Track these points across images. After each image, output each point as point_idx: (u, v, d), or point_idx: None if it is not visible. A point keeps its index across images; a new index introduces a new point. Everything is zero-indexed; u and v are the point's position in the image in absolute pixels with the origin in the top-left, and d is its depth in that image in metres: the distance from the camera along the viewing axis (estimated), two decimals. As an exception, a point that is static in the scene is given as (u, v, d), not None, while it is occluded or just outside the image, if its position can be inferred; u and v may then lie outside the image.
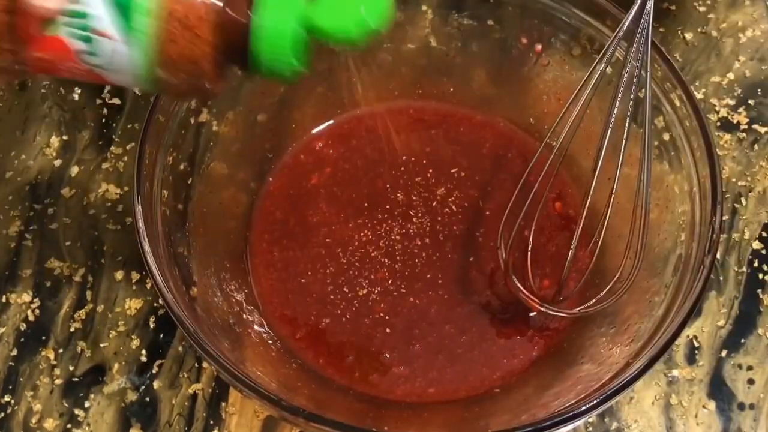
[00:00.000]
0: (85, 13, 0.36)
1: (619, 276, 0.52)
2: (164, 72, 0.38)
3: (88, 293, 0.60)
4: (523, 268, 0.55)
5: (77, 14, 0.36)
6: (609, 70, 0.54)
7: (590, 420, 0.56)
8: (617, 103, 0.49)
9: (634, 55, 0.48)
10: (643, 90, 0.50)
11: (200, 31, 0.37)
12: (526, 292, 0.54)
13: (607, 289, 0.52)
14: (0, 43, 0.36)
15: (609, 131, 0.49)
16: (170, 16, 0.37)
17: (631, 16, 0.48)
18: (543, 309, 0.54)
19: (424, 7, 0.61)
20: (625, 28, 0.49)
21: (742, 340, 0.59)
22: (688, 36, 0.70)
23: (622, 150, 0.50)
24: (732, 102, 0.67)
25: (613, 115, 0.49)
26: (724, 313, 0.60)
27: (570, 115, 0.51)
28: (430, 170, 0.63)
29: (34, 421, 0.56)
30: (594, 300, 0.53)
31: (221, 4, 0.38)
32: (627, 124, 0.49)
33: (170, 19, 0.37)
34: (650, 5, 0.48)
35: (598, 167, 0.50)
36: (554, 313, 0.54)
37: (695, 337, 0.59)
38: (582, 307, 0.53)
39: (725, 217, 0.63)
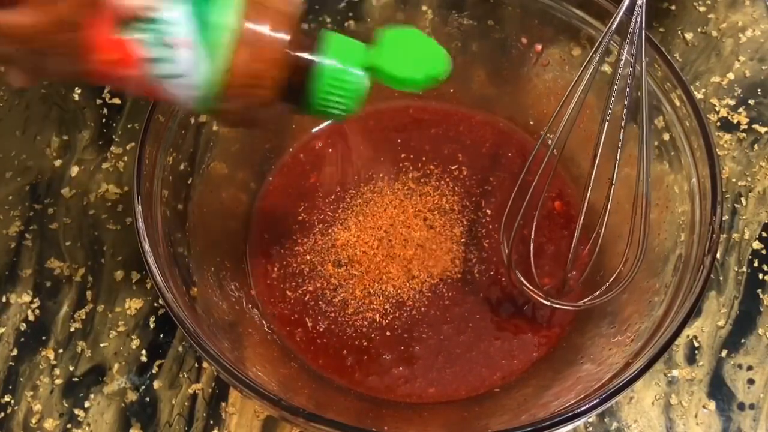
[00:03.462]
0: (163, 20, 0.36)
1: (622, 266, 0.52)
2: (225, 93, 0.38)
3: (88, 293, 0.60)
4: (526, 264, 0.55)
5: (156, 20, 0.36)
6: (608, 69, 0.55)
7: (590, 420, 0.56)
8: (613, 97, 0.49)
9: (629, 50, 0.48)
10: (640, 87, 0.50)
11: (267, 61, 0.38)
12: (530, 287, 0.54)
13: (611, 279, 0.52)
14: (67, 37, 0.36)
15: (605, 128, 0.49)
16: (244, 40, 0.37)
17: (623, 9, 0.48)
18: (548, 303, 0.54)
19: (424, 7, 0.61)
20: (617, 21, 0.49)
21: (742, 340, 0.59)
22: (688, 36, 0.70)
23: (619, 147, 0.49)
24: (732, 102, 0.67)
25: (609, 111, 0.49)
26: (724, 313, 0.60)
27: (567, 109, 0.51)
28: (430, 169, 0.63)
29: (34, 421, 0.56)
30: (598, 292, 0.53)
31: (289, 40, 0.38)
32: (623, 122, 0.49)
33: (243, 43, 0.37)
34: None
35: (596, 164, 0.50)
36: (559, 306, 0.54)
37: (695, 337, 0.59)
38: (587, 299, 0.53)
39: (725, 217, 0.63)
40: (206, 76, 0.37)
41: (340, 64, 0.40)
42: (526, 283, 0.54)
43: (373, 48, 0.41)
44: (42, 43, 0.36)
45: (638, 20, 0.48)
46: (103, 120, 0.66)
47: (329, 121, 0.41)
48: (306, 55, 0.39)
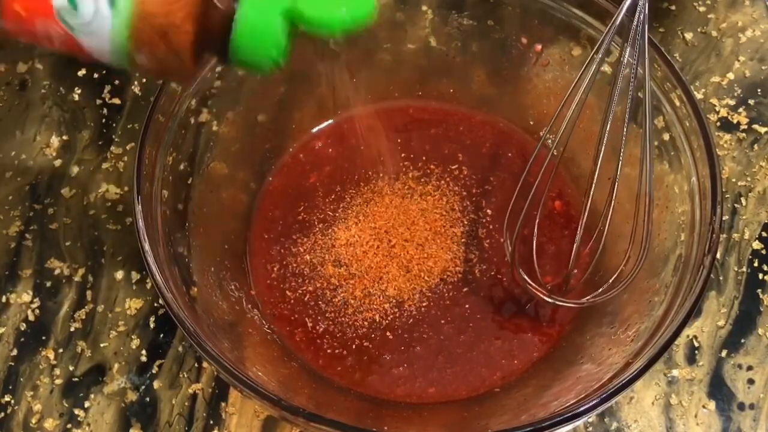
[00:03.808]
0: None
1: (625, 264, 0.52)
2: (141, 45, 0.38)
3: (88, 293, 0.60)
4: (529, 262, 0.55)
5: None
6: (608, 69, 0.55)
7: (590, 420, 0.56)
8: (615, 97, 0.49)
9: (630, 51, 0.48)
10: (642, 89, 0.50)
11: (183, 9, 0.37)
12: (534, 284, 0.54)
13: (614, 276, 0.52)
14: None
15: (607, 129, 0.49)
16: None
17: (624, 10, 0.48)
18: (551, 300, 0.54)
19: (424, 7, 0.61)
20: (618, 21, 0.49)
21: (742, 340, 0.59)
22: (688, 36, 0.70)
23: (622, 147, 0.49)
24: (732, 102, 0.67)
25: (611, 113, 0.49)
26: (724, 313, 0.60)
27: (568, 110, 0.51)
28: (430, 169, 0.63)
29: (34, 421, 0.56)
30: (602, 289, 0.53)
31: None
32: (626, 123, 0.49)
33: None
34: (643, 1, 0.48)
35: (599, 164, 0.50)
36: (562, 303, 0.54)
37: (695, 337, 0.59)
38: (590, 296, 0.53)
39: (725, 217, 0.63)
40: (112, 25, 0.37)
41: (256, 10, 0.39)
42: (529, 280, 0.54)
43: None
44: None
45: (640, 18, 0.48)
46: (103, 120, 0.66)
47: (258, 74, 0.40)
48: (216, 3, 0.38)
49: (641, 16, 0.48)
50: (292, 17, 0.39)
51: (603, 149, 0.50)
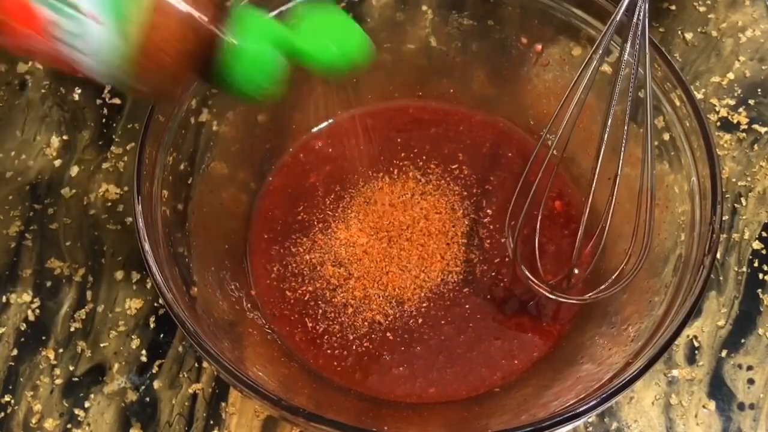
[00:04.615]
0: None
1: (627, 260, 0.52)
2: (135, 65, 0.38)
3: (88, 293, 0.60)
4: (531, 260, 0.55)
5: None
6: (609, 69, 0.55)
7: (590, 420, 0.56)
8: (615, 96, 0.49)
9: (630, 50, 0.48)
10: (642, 88, 0.50)
11: (180, 37, 0.37)
12: (536, 281, 0.54)
13: (616, 273, 0.52)
14: None
15: (607, 129, 0.49)
16: (156, 13, 0.37)
17: (623, 8, 0.48)
18: (553, 297, 0.54)
19: (424, 7, 0.61)
20: (617, 19, 0.49)
21: (742, 340, 0.59)
22: (688, 36, 0.70)
23: (622, 146, 0.50)
24: (732, 102, 0.67)
25: (611, 113, 0.49)
26: (724, 313, 0.60)
27: (567, 109, 0.51)
28: (431, 168, 0.63)
29: (34, 421, 0.56)
30: (604, 285, 0.53)
31: (203, 17, 0.37)
32: (626, 123, 0.49)
33: (155, 17, 0.36)
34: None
35: (599, 163, 0.50)
36: (565, 300, 0.54)
37: (695, 337, 0.59)
38: (592, 293, 0.53)
39: (725, 217, 0.63)
40: (116, 50, 0.37)
41: (255, 43, 0.39)
42: (531, 277, 0.54)
43: (291, 27, 0.40)
44: None
45: (640, 16, 0.48)
46: (103, 120, 0.66)
47: (250, 102, 0.41)
48: (220, 33, 0.38)
49: (641, 14, 0.48)
50: (287, 52, 0.39)
51: (603, 149, 0.50)
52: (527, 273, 0.55)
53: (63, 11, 0.36)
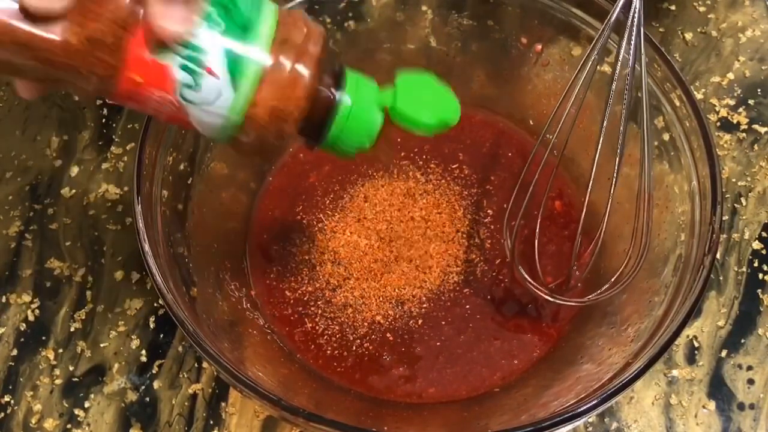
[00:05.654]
0: (200, 48, 0.37)
1: (626, 262, 0.52)
2: (251, 128, 0.39)
3: (88, 293, 0.60)
4: (530, 261, 0.55)
5: (193, 47, 0.37)
6: (609, 69, 0.55)
7: (590, 420, 0.56)
8: (612, 96, 0.49)
9: (627, 48, 0.48)
10: (640, 87, 0.50)
11: (291, 98, 0.38)
12: (535, 283, 0.54)
13: (616, 275, 0.52)
14: (100, 55, 0.36)
15: (604, 128, 0.49)
16: (271, 75, 0.38)
17: (619, 6, 0.48)
18: (552, 299, 0.54)
19: (424, 7, 0.61)
20: (614, 18, 0.49)
21: (742, 340, 0.59)
22: (688, 36, 0.70)
23: (619, 146, 0.49)
24: (732, 102, 0.67)
25: (608, 111, 0.49)
26: (724, 313, 0.60)
27: (565, 108, 0.51)
28: (431, 168, 0.63)
29: (34, 421, 0.56)
30: (604, 288, 0.53)
31: (312, 79, 0.39)
32: (624, 122, 0.49)
33: (270, 79, 0.38)
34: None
35: (595, 164, 0.50)
36: (564, 302, 0.54)
37: (695, 337, 0.59)
38: (592, 295, 0.53)
39: (725, 217, 0.63)
40: (231, 106, 0.38)
41: (360, 104, 0.41)
42: (529, 279, 0.54)
43: (388, 89, 0.42)
44: (72, 60, 0.35)
45: (635, 15, 0.48)
46: (103, 120, 0.66)
47: (343, 158, 0.43)
48: (327, 94, 0.40)
49: (635, 12, 0.48)
50: (391, 114, 0.41)
51: (600, 148, 0.50)
52: (526, 276, 0.55)
53: (189, 68, 0.37)
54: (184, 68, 0.37)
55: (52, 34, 0.34)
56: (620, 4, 0.48)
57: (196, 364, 0.57)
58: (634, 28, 0.48)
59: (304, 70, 0.38)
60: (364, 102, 0.41)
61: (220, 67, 0.37)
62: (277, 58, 0.38)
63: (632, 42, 0.48)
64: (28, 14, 0.34)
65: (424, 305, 0.58)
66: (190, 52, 0.37)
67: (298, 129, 0.40)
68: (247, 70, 0.37)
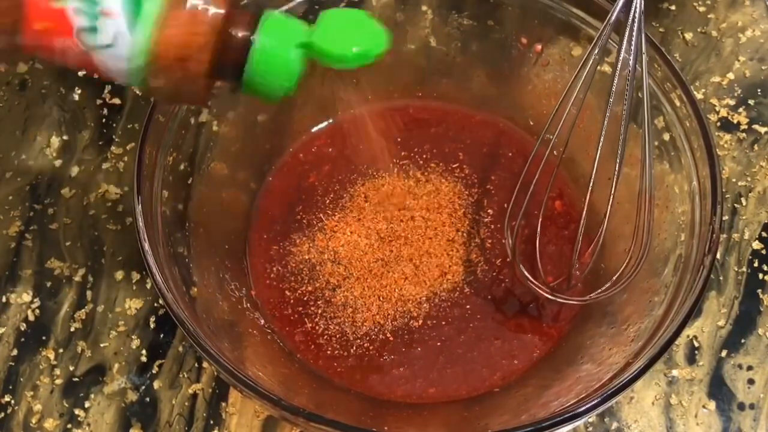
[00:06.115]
0: None
1: (627, 261, 0.52)
2: (158, 69, 0.38)
3: (88, 293, 0.60)
4: (531, 261, 0.55)
5: None
6: (609, 69, 0.55)
7: (590, 420, 0.56)
8: (612, 94, 0.49)
9: (627, 48, 0.48)
10: (641, 87, 0.50)
11: (198, 36, 0.38)
12: (536, 282, 0.54)
13: (617, 274, 0.52)
14: (3, 7, 0.36)
15: (605, 128, 0.49)
16: (174, 12, 0.37)
17: (619, 6, 0.48)
18: (553, 297, 0.54)
19: (424, 7, 0.61)
20: (614, 17, 0.49)
21: (742, 340, 0.59)
22: (688, 36, 0.70)
23: (619, 146, 0.50)
24: (732, 102, 0.67)
25: (608, 111, 0.49)
26: (724, 313, 0.60)
27: (565, 108, 0.51)
28: (431, 168, 0.63)
29: (34, 421, 0.56)
30: (605, 286, 0.53)
31: (224, 18, 0.38)
32: (625, 122, 0.49)
33: (173, 16, 0.37)
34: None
35: (596, 163, 0.50)
36: (565, 301, 0.54)
37: (695, 337, 0.59)
38: (593, 293, 0.53)
39: (725, 217, 0.63)
40: (132, 48, 0.37)
41: (274, 42, 0.40)
42: (530, 278, 0.54)
43: (311, 27, 0.41)
44: None
45: (635, 14, 0.48)
46: (103, 120, 0.66)
47: (267, 102, 0.42)
48: (239, 32, 0.39)
49: (636, 12, 0.48)
50: (308, 50, 0.40)
51: (600, 148, 0.50)
52: (527, 274, 0.55)
53: (88, 12, 0.37)
54: (81, 12, 0.37)
55: None
56: (620, 4, 0.48)
57: (196, 364, 0.57)
58: (635, 28, 0.48)
59: (205, 6, 0.38)
60: (279, 40, 0.40)
61: (117, 8, 0.37)
62: None
63: (632, 42, 0.48)
64: None
65: (425, 305, 0.58)
66: None
67: (214, 71, 0.39)
68: (143, 8, 0.37)
